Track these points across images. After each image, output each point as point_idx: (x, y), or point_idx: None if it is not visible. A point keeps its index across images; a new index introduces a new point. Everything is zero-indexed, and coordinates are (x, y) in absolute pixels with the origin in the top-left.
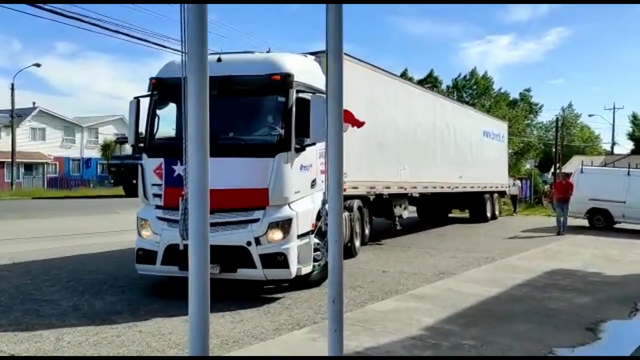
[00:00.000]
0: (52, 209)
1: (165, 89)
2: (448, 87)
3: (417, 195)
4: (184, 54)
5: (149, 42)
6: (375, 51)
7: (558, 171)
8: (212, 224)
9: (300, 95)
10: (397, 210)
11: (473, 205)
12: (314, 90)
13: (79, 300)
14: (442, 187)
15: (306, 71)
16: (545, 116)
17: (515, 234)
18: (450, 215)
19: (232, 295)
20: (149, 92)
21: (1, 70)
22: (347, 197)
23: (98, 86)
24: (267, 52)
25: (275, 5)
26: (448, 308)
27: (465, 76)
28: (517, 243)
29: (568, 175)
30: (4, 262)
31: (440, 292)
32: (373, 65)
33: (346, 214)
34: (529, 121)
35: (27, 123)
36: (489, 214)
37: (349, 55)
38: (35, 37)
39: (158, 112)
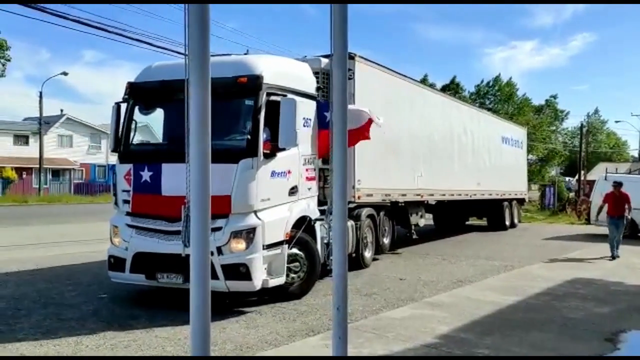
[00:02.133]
0: (77, 214)
1: (140, 94)
2: (471, 93)
3: (434, 203)
4: (186, 57)
5: (170, 50)
6: (396, 58)
7: (583, 178)
8: (177, 232)
9: (273, 98)
10: (414, 219)
11: (491, 213)
12: (295, 94)
13: (98, 305)
14: (460, 195)
15: (283, 73)
16: (571, 122)
17: (537, 242)
18: (467, 223)
19: (247, 301)
20: (125, 97)
21: (31, 79)
22: (360, 206)
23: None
24: (245, 53)
25: (294, 12)
26: (464, 316)
27: (488, 82)
28: (539, 251)
29: (620, 184)
30: (29, 267)
31: (457, 300)
32: (388, 68)
33: (351, 222)
34: (554, 127)
35: (55, 130)
36: (507, 222)
37: (363, 58)
38: (63, 46)
39: (133, 117)
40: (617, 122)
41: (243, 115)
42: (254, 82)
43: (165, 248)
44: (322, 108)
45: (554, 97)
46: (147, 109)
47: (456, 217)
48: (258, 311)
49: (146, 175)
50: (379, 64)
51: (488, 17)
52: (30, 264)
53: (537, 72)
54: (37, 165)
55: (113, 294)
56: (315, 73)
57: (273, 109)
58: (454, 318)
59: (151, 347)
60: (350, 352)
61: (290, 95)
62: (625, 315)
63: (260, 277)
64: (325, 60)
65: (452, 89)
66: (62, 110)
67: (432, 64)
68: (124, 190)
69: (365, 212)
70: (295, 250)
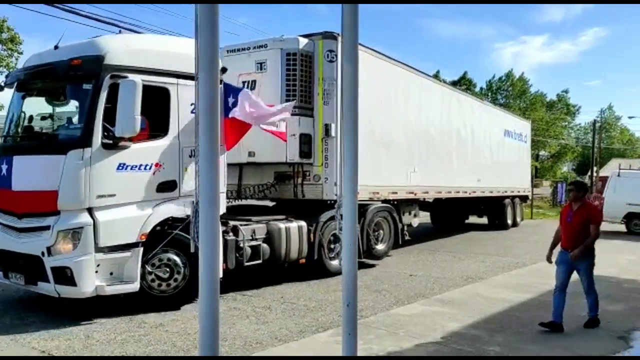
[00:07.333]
0: None
1: (15, 82)
2: (482, 88)
3: (431, 200)
4: (197, 52)
5: None
6: (407, 53)
7: (595, 174)
8: (24, 229)
9: (121, 81)
10: (406, 218)
11: (492, 211)
12: (174, 76)
13: (110, 299)
14: (458, 192)
15: (148, 53)
16: (583, 118)
17: (549, 239)
18: (467, 221)
19: (258, 297)
20: (3, 85)
21: None
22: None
23: None
24: (119, 33)
25: (305, 7)
26: (475, 313)
27: (500, 77)
28: None
29: (581, 186)
30: None
31: (467, 297)
32: (380, 53)
33: (299, 224)
34: (566, 123)
35: None
36: (509, 221)
37: None
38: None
39: (18, 107)
40: (630, 117)
41: (79, 102)
42: (91, 64)
43: (12, 246)
44: (228, 93)
45: (566, 91)
46: (23, 98)
47: (455, 215)
48: (268, 307)
49: (4, 168)
50: (369, 47)
51: (497, 12)
52: None
53: (548, 67)
54: None
55: None
56: (293, 54)
57: (116, 92)
58: (465, 315)
59: (161, 342)
60: (360, 348)
61: (132, 77)
62: (638, 313)
63: (90, 283)
64: (304, 40)
65: (463, 84)
66: None
67: (442, 59)
68: None
69: (329, 214)
70: (169, 255)
